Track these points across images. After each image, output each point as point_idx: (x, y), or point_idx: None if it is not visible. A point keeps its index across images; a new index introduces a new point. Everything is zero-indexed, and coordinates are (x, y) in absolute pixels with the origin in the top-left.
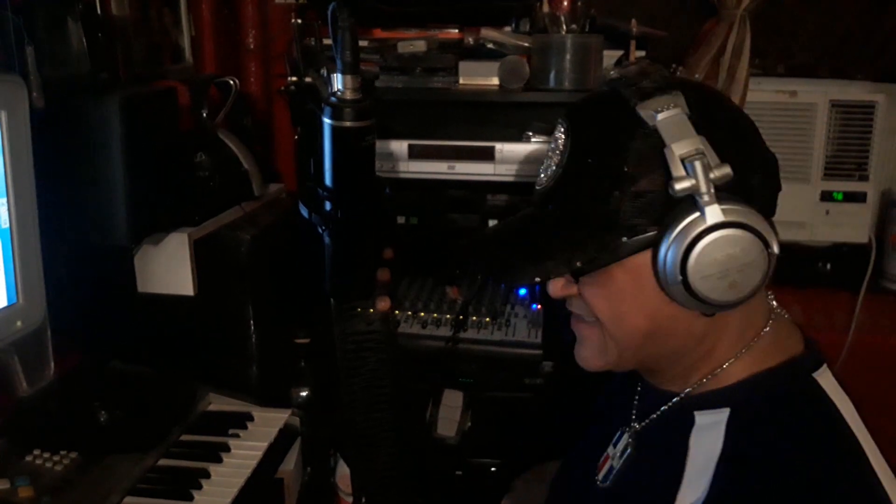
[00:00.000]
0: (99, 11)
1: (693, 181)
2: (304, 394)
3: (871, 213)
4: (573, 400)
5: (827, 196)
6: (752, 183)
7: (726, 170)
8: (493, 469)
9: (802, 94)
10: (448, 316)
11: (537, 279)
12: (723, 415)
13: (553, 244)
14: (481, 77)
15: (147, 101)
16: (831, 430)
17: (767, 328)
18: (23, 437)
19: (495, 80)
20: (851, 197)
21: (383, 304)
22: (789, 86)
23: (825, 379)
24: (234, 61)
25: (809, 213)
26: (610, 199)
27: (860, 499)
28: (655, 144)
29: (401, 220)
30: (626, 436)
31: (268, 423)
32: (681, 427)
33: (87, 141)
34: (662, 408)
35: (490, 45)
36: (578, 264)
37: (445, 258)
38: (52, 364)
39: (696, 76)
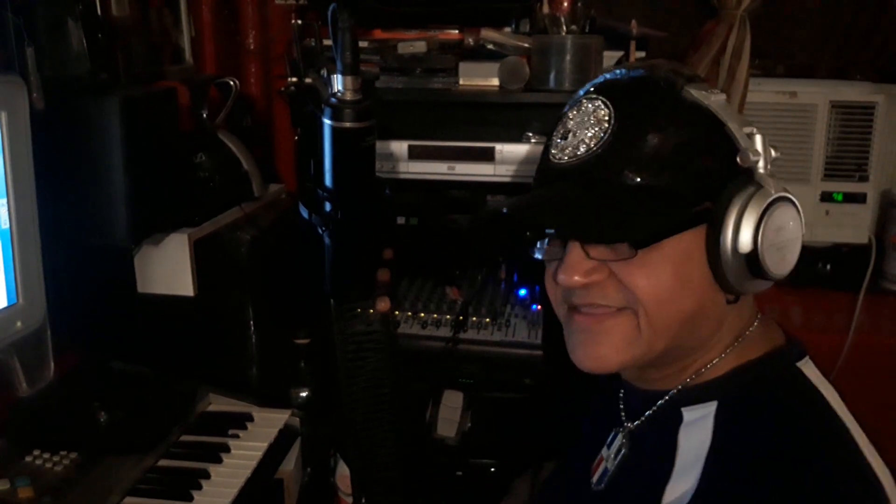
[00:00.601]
0: (99, 12)
1: (758, 156)
2: (303, 394)
3: (871, 213)
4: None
5: (827, 197)
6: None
7: (774, 150)
8: (492, 469)
9: (802, 94)
10: (448, 316)
11: (622, 239)
12: (710, 408)
13: (620, 211)
14: (481, 78)
15: (147, 101)
16: (818, 415)
17: (753, 327)
18: (23, 437)
19: (495, 81)
20: (851, 197)
21: (383, 304)
22: (789, 86)
23: (809, 369)
24: (235, 62)
25: (809, 214)
26: (671, 171)
27: (850, 480)
28: (714, 122)
29: (401, 220)
30: (619, 436)
31: (268, 423)
32: (669, 425)
33: (87, 141)
34: (652, 407)
35: (490, 46)
36: (642, 234)
37: (445, 258)
38: (52, 364)
39: None
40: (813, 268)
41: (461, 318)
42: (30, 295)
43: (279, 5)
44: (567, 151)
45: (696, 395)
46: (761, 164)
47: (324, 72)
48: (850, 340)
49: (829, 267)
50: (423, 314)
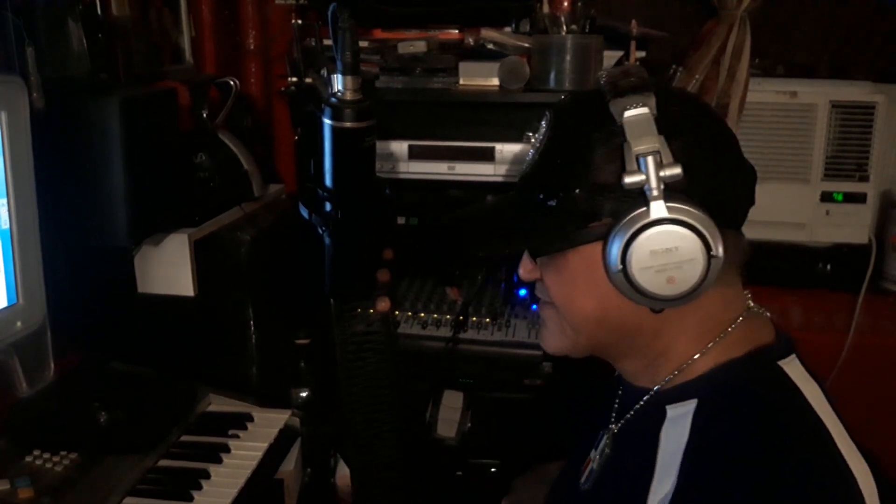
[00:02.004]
0: (99, 12)
1: (643, 176)
2: (303, 394)
3: (871, 213)
4: (573, 401)
5: (827, 197)
6: (711, 188)
7: (676, 170)
8: (492, 469)
9: (802, 94)
10: (448, 316)
11: (492, 253)
12: (690, 406)
13: (518, 225)
14: (481, 77)
15: (147, 101)
16: (794, 413)
17: (735, 324)
18: (23, 438)
19: (495, 81)
20: (851, 198)
21: (383, 304)
22: (789, 86)
23: (791, 366)
24: (235, 62)
25: (809, 214)
26: (571, 188)
27: (823, 477)
28: (618, 140)
29: (401, 220)
30: (605, 437)
31: (268, 423)
32: (653, 422)
33: (87, 141)
34: (637, 405)
35: (490, 46)
36: (534, 246)
37: (445, 258)
38: (52, 364)
39: (696, 77)
40: (813, 268)
41: (461, 318)
42: (30, 295)
43: (279, 5)
44: (524, 165)
45: (678, 393)
46: (653, 184)
47: (324, 72)
48: (850, 340)
49: (829, 267)
50: (423, 314)
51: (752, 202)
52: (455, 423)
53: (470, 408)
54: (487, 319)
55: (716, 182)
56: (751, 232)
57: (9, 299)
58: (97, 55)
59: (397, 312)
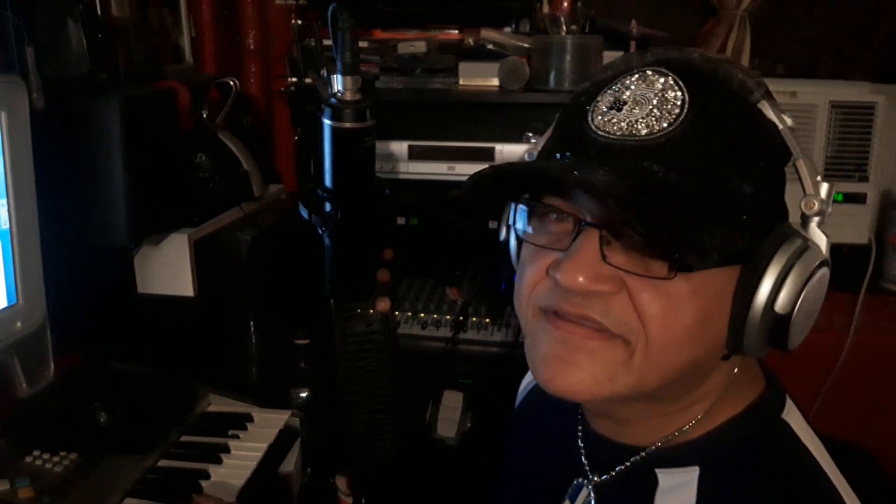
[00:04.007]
0: (99, 12)
1: (825, 206)
2: (303, 395)
3: (870, 214)
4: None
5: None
6: None
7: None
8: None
9: (802, 94)
10: (448, 317)
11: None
12: (692, 474)
13: (682, 218)
14: (481, 78)
15: (147, 101)
16: (807, 479)
17: (733, 374)
18: (23, 438)
19: (495, 81)
20: (851, 198)
21: (383, 304)
22: (789, 86)
23: (794, 419)
24: (235, 62)
25: None
26: (730, 194)
27: None
28: (783, 152)
29: (401, 220)
30: (585, 489)
31: (267, 423)
32: (642, 487)
33: (87, 141)
34: (623, 464)
35: (490, 46)
36: (707, 253)
37: (445, 258)
38: (52, 364)
39: None
40: None
41: (461, 318)
42: (30, 295)
43: (279, 5)
44: (620, 126)
45: (674, 457)
46: (817, 217)
47: (324, 72)
48: (850, 340)
49: None
50: (423, 314)
51: None
52: (455, 423)
53: (470, 408)
54: (487, 319)
55: None
56: None
57: (8, 299)
58: (97, 55)
59: (397, 312)
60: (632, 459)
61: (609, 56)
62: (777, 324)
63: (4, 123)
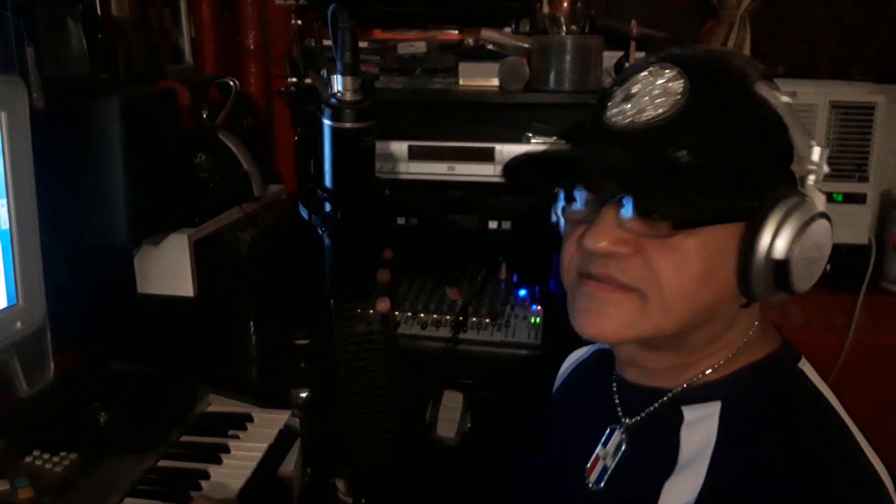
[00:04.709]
0: (99, 12)
1: (816, 167)
2: (303, 395)
3: (870, 214)
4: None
5: (827, 197)
6: None
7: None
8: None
9: (802, 94)
10: (448, 317)
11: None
12: (714, 408)
13: (672, 185)
14: (481, 78)
15: (147, 101)
16: (823, 416)
17: (754, 329)
18: (23, 438)
19: (495, 81)
20: (851, 198)
21: (383, 304)
22: (789, 86)
23: (809, 369)
24: (234, 62)
25: None
26: (728, 160)
27: (858, 484)
28: (777, 124)
29: (401, 220)
30: (617, 432)
31: (267, 424)
32: (670, 423)
33: (87, 141)
34: (653, 405)
35: (490, 46)
36: (696, 213)
37: (445, 258)
38: (52, 364)
39: None
40: None
41: (461, 318)
42: (30, 295)
43: (279, 5)
44: (629, 114)
45: (698, 395)
46: (813, 177)
47: (324, 72)
48: (850, 340)
49: (829, 267)
50: (423, 314)
51: None
52: (455, 423)
53: (470, 408)
54: (487, 319)
55: None
56: None
57: (8, 299)
58: (97, 55)
59: (397, 312)
60: (659, 401)
61: (609, 56)
62: (778, 269)
63: (4, 123)
